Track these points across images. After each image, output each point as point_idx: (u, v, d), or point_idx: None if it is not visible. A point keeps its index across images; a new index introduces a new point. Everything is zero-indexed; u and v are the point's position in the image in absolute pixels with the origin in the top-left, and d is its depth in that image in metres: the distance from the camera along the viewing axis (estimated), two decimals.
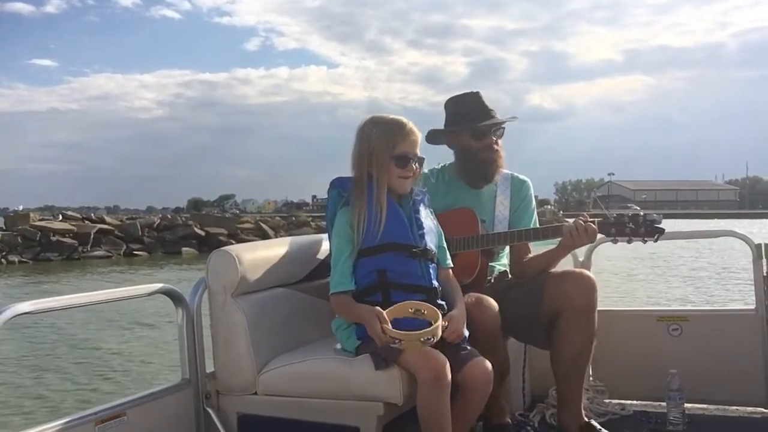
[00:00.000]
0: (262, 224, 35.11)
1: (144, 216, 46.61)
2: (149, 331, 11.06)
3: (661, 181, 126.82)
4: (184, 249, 30.61)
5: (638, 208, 2.62)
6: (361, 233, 2.37)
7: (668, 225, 2.66)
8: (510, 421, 2.84)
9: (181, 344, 2.51)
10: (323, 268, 2.73)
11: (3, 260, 26.71)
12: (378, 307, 2.25)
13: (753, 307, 3.14)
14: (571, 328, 2.66)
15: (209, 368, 2.57)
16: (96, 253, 28.88)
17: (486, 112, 2.92)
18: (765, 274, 3.05)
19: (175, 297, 2.49)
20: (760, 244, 3.07)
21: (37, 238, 28.29)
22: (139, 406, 2.34)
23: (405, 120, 2.47)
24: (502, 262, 3.00)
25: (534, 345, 2.97)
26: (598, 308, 2.71)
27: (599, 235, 2.67)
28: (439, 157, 3.10)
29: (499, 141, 2.94)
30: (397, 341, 2.17)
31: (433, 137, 2.96)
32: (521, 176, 3.06)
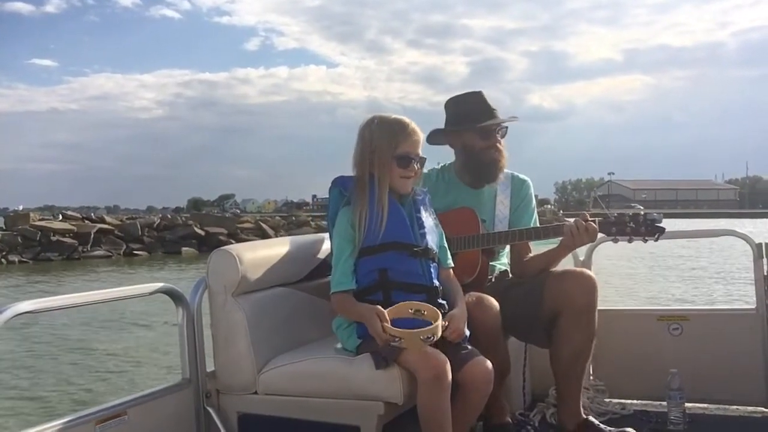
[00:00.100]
0: (262, 224, 35.12)
1: (144, 216, 46.62)
2: (149, 330, 11.06)
3: (661, 180, 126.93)
4: (184, 249, 30.62)
5: (641, 208, 2.62)
6: (363, 232, 2.37)
7: (668, 225, 2.66)
8: (510, 420, 2.83)
9: (182, 344, 2.51)
10: (323, 267, 2.73)
11: (3, 260, 26.70)
12: (379, 306, 2.25)
13: (753, 306, 3.14)
14: (571, 327, 2.66)
15: (209, 368, 2.57)
16: (96, 252, 28.89)
17: (489, 112, 2.92)
18: (765, 274, 3.05)
19: (175, 296, 2.49)
20: (760, 244, 3.07)
21: (37, 238, 28.29)
22: (140, 406, 2.34)
23: (407, 120, 2.46)
24: (503, 262, 3.00)
25: (534, 344, 2.97)
26: (599, 308, 2.71)
27: (600, 235, 2.67)
28: (438, 157, 3.10)
29: (502, 141, 2.94)
30: (397, 339, 2.17)
31: (434, 138, 2.95)
32: (521, 176, 3.06)
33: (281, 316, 2.65)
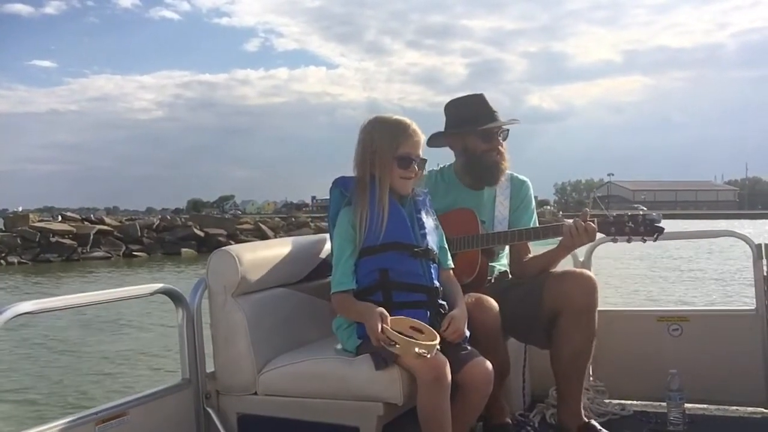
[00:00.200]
0: (261, 225, 35.14)
1: (143, 217, 46.63)
2: (149, 331, 11.06)
3: (661, 181, 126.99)
4: (184, 250, 30.65)
5: (645, 209, 2.61)
6: (363, 233, 2.37)
7: (668, 225, 2.66)
8: (510, 421, 2.83)
9: (182, 344, 2.51)
10: (323, 268, 2.73)
11: (2, 261, 26.72)
12: (382, 308, 2.25)
13: (753, 307, 3.14)
14: (571, 327, 2.66)
15: (209, 368, 2.57)
16: (95, 254, 28.90)
17: (491, 114, 2.92)
18: (765, 274, 3.05)
19: (175, 297, 2.49)
20: (760, 245, 3.07)
21: (37, 239, 28.30)
22: (140, 406, 2.34)
23: (408, 121, 2.47)
24: (502, 263, 3.00)
25: (534, 345, 2.97)
26: (598, 308, 2.71)
27: (599, 235, 2.67)
28: (438, 158, 3.10)
29: (504, 143, 2.94)
30: (392, 344, 2.16)
31: (434, 140, 2.95)
32: (521, 176, 3.06)
33: (281, 317, 2.65)
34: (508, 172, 3.00)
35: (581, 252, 3.25)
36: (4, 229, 30.09)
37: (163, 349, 9.42)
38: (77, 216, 33.81)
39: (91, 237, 29.30)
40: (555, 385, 2.87)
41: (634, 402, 3.22)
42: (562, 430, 2.79)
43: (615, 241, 2.66)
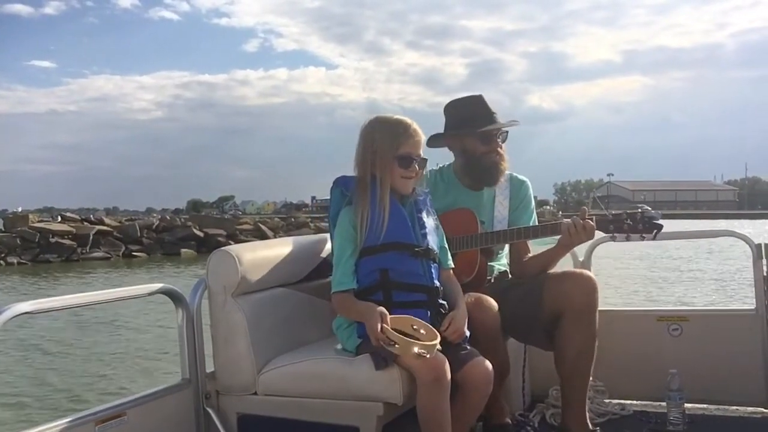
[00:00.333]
0: (261, 225, 35.15)
1: (143, 217, 46.60)
2: (149, 331, 11.06)
3: (660, 181, 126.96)
4: (183, 250, 30.65)
5: (648, 208, 2.61)
6: (364, 232, 2.37)
7: (668, 225, 2.65)
8: (510, 421, 2.83)
9: (181, 344, 2.51)
10: (323, 268, 2.73)
11: (2, 262, 26.72)
12: (382, 307, 2.25)
13: (753, 307, 3.14)
14: (572, 328, 2.66)
15: (209, 368, 2.57)
16: (95, 254, 28.91)
17: (490, 116, 2.92)
18: (765, 274, 3.05)
19: (175, 297, 2.49)
20: (760, 244, 3.07)
21: (36, 240, 28.30)
22: (139, 406, 2.34)
23: (409, 120, 2.47)
24: (502, 262, 3.00)
25: (534, 345, 2.97)
26: (599, 308, 2.70)
27: (598, 234, 2.67)
28: (438, 158, 3.10)
29: (503, 145, 2.94)
30: (392, 343, 2.16)
31: (433, 141, 2.94)
32: (520, 176, 3.06)
33: (281, 317, 2.65)
34: (507, 172, 3.00)
35: (581, 252, 3.25)
36: (3, 229, 30.08)
37: (163, 350, 9.42)
38: (77, 216, 33.80)
39: (91, 237, 29.30)
40: (555, 386, 2.87)
41: (634, 402, 3.22)
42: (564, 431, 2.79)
43: (614, 239, 2.65)
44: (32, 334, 10.69)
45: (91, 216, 36.61)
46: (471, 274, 2.77)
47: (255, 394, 2.49)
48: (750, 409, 3.12)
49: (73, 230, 29.59)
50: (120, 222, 34.09)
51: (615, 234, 2.62)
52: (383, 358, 2.24)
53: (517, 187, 3.02)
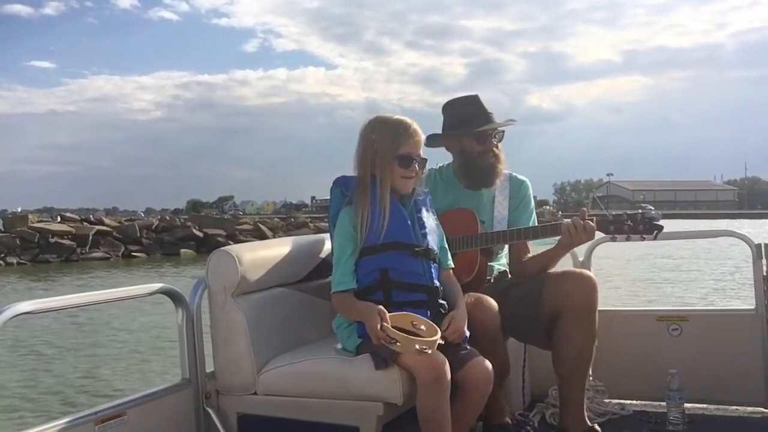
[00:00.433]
0: (260, 225, 35.15)
1: (143, 217, 46.58)
2: (149, 331, 11.05)
3: (660, 181, 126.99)
4: (183, 250, 30.65)
5: (652, 208, 2.61)
6: (364, 232, 2.38)
7: (667, 225, 2.65)
8: (510, 421, 2.83)
9: (181, 344, 2.51)
10: (323, 267, 2.73)
11: (1, 262, 26.72)
12: (381, 306, 2.25)
13: (753, 307, 3.14)
14: (571, 328, 2.66)
15: (209, 368, 2.57)
16: (94, 254, 28.91)
17: (485, 116, 2.91)
18: (765, 274, 3.05)
19: (175, 297, 2.49)
20: (759, 244, 3.07)
21: (36, 240, 28.30)
22: (139, 406, 2.34)
23: (409, 120, 2.47)
24: (502, 262, 3.00)
25: (534, 345, 2.97)
26: (598, 308, 2.71)
27: (598, 234, 2.67)
28: (437, 158, 3.10)
29: (499, 145, 2.94)
30: (393, 341, 2.17)
31: (431, 141, 2.94)
32: (520, 176, 3.06)
33: (281, 317, 2.65)
34: (507, 172, 3.00)
35: (581, 252, 3.25)
36: (3, 229, 30.04)
37: (161, 350, 9.42)
38: (76, 216, 33.83)
39: (90, 238, 29.30)
40: (555, 385, 2.87)
41: (634, 402, 3.22)
42: (563, 431, 2.79)
43: (614, 239, 2.66)
44: (31, 334, 10.68)
45: (91, 216, 36.64)
46: (471, 274, 2.77)
47: (255, 393, 2.49)
48: (750, 409, 3.12)
49: (73, 230, 29.59)
50: (119, 222, 34.08)
51: (615, 235, 2.63)
52: (383, 358, 2.24)
53: (516, 187, 3.02)
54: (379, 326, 2.19)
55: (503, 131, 2.95)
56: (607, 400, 3.16)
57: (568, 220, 2.66)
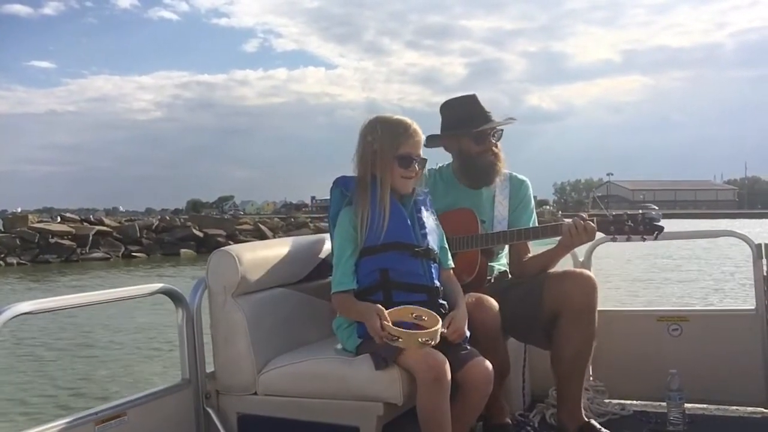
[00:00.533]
0: (260, 225, 35.14)
1: (143, 217, 46.59)
2: (149, 331, 11.05)
3: (660, 181, 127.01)
4: (183, 250, 30.65)
5: (656, 207, 2.61)
6: (364, 232, 2.38)
7: (667, 225, 2.66)
8: (510, 421, 2.83)
9: (181, 344, 2.51)
10: (323, 268, 2.73)
11: (1, 262, 26.70)
12: (379, 305, 2.25)
13: (753, 307, 3.14)
14: (571, 328, 2.66)
15: (209, 368, 2.57)
16: (94, 254, 28.89)
17: (483, 115, 2.91)
18: (765, 274, 3.05)
19: (175, 297, 2.49)
20: (760, 244, 3.07)
21: (36, 240, 28.29)
22: (139, 406, 2.34)
23: (409, 120, 2.47)
24: (502, 263, 3.00)
25: (534, 345, 2.97)
26: (598, 308, 2.71)
27: (599, 234, 2.67)
28: (437, 158, 3.10)
29: (498, 144, 2.94)
30: (395, 339, 2.17)
31: (430, 141, 2.94)
32: (520, 176, 3.06)
33: (281, 317, 2.65)
34: (507, 171, 3.01)
35: (581, 252, 3.25)
36: (3, 230, 30.00)
37: (161, 350, 9.42)
38: (76, 217, 33.81)
39: (90, 238, 29.28)
40: (555, 385, 2.87)
41: (634, 402, 3.22)
42: (561, 429, 2.79)
43: (615, 240, 2.67)
44: (31, 334, 10.68)
45: (91, 216, 36.60)
46: (471, 274, 2.77)
47: (255, 394, 2.49)
48: (750, 409, 3.12)
49: (73, 231, 29.57)
50: (119, 222, 34.04)
51: (616, 235, 2.63)
52: (383, 358, 2.24)
53: (516, 187, 3.02)
54: (379, 325, 2.19)
55: (502, 130, 2.95)
56: (607, 401, 3.16)
57: (569, 220, 2.66)
